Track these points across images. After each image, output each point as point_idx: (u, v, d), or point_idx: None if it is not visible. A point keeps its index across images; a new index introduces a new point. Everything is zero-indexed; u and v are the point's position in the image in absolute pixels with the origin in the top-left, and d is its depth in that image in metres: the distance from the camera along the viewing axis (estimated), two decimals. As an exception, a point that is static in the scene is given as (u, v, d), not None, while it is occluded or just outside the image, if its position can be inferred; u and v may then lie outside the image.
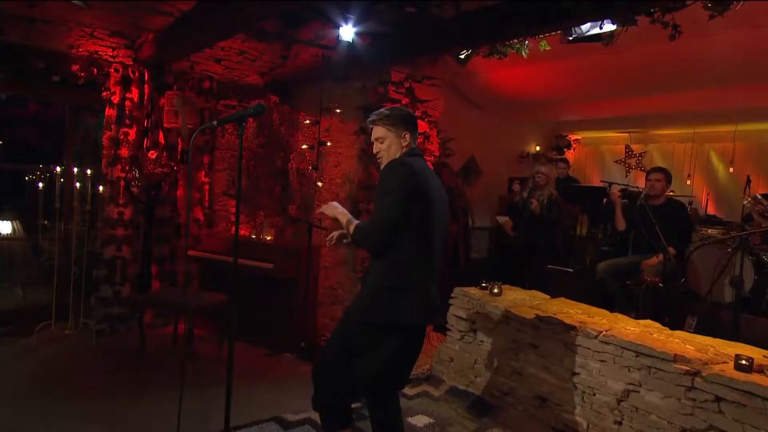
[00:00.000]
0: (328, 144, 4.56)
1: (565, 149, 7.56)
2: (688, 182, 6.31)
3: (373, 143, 2.23)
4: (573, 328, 2.92)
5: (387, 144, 2.17)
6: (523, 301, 3.52)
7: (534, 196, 4.89)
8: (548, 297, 3.69)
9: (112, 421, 2.85)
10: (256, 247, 4.39)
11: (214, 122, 2.19)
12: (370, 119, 2.22)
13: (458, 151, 5.76)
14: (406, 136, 2.16)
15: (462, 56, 4.13)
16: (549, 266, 4.73)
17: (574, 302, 3.51)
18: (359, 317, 2.09)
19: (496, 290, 3.61)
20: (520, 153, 7.20)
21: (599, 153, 7.59)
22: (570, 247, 5.59)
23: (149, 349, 3.92)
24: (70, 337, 4.05)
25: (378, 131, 2.19)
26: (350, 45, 3.59)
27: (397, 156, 2.15)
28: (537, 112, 6.48)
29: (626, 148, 7.20)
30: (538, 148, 7.33)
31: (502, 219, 5.31)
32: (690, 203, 5.53)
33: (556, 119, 6.61)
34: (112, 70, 4.30)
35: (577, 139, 7.72)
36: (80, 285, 4.13)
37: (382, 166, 2.15)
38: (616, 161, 7.26)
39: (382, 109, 2.23)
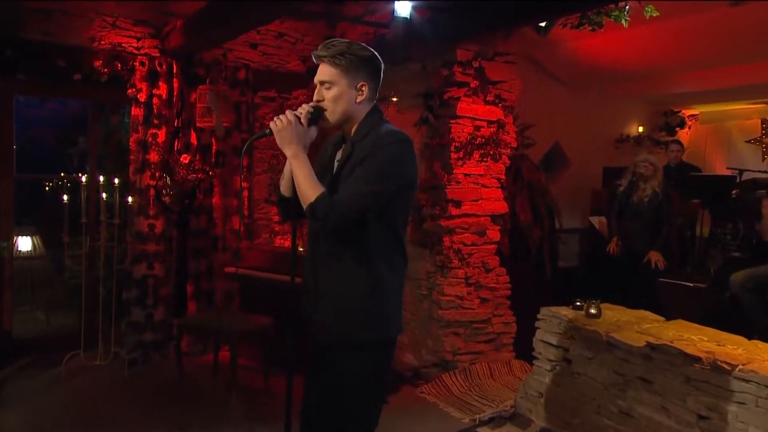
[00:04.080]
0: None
1: (677, 129, 7.25)
2: None
3: (316, 87, 1.94)
4: (698, 359, 2.78)
5: (335, 93, 1.90)
6: (628, 323, 3.41)
7: (637, 190, 4.74)
8: (661, 319, 3.55)
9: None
10: (304, 260, 4.46)
11: None
12: (316, 52, 1.92)
13: (540, 138, 5.66)
14: (363, 88, 1.92)
15: (542, 24, 4.05)
16: (660, 278, 4.55)
17: (696, 325, 3.35)
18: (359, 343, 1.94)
19: (593, 310, 3.51)
20: (617, 136, 6.98)
21: (724, 131, 7.20)
22: (687, 254, 5.35)
23: (187, 381, 4.09)
24: (101, 369, 4.25)
25: (324, 71, 1.91)
26: (407, 21, 3.59)
27: (346, 112, 1.92)
28: (639, 85, 6.28)
29: (763, 123, 6.77)
30: (641, 130, 7.09)
31: (597, 219, 5.17)
32: None
33: (665, 92, 6.34)
34: (138, 64, 4.51)
35: (692, 115, 7.39)
36: (110, 308, 4.35)
37: None
38: (749, 141, 6.85)
39: (336, 40, 1.92)
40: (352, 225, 1.84)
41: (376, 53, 1.96)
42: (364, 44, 1.94)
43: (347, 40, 1.93)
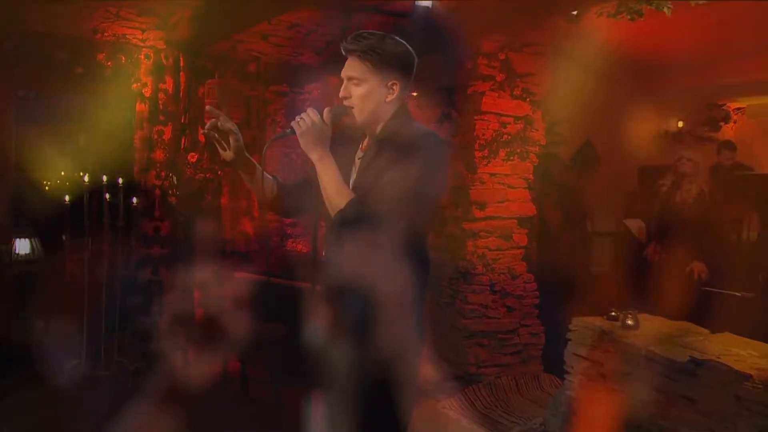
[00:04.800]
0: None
1: (721, 123, 7.11)
2: None
3: (343, 82, 1.91)
4: (748, 377, 2.68)
5: (363, 91, 1.86)
6: (669, 336, 3.32)
7: (680, 190, 4.65)
8: (706, 331, 3.46)
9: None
10: (317, 265, 4.45)
11: None
12: (345, 44, 1.88)
13: (570, 136, 5.60)
14: (394, 87, 1.88)
15: (574, 12, 3.98)
16: (704, 287, 4.45)
17: (745, 339, 3.27)
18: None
19: (630, 321, 3.44)
20: (655, 133, 6.89)
21: (774, 126, 7.05)
22: (734, 260, 5.24)
23: (194, 392, 4.07)
24: (104, 379, 4.30)
25: (353, 66, 1.87)
26: (428, 10, 3.56)
27: (374, 112, 1.89)
28: (679, 76, 6.18)
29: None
30: (681, 125, 6.97)
31: (633, 223, 5.09)
32: None
33: (707, 83, 6.23)
34: (142, 57, 4.53)
35: (738, 109, 7.24)
36: (113, 315, 4.37)
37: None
38: (803, 137, 6.71)
39: (368, 32, 1.88)
40: (385, 232, 1.81)
41: (410, 49, 1.91)
42: (398, 38, 1.90)
43: (380, 33, 1.89)
